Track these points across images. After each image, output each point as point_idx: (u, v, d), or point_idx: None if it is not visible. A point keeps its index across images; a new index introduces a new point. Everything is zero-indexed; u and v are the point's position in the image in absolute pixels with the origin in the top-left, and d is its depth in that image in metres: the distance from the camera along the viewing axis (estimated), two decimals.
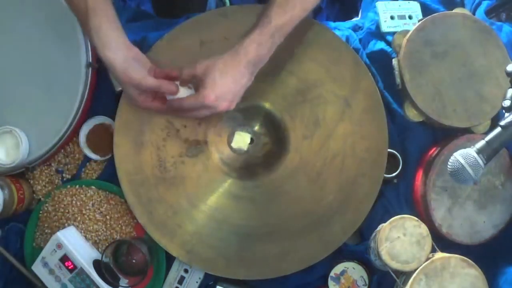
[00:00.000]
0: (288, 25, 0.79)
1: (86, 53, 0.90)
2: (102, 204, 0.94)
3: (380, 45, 0.99)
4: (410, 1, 1.03)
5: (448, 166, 0.72)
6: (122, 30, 0.79)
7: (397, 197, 0.95)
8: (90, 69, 0.90)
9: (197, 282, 0.93)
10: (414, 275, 0.81)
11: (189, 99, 0.81)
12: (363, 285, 0.92)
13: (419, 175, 0.93)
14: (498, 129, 0.72)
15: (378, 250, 0.83)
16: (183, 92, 0.84)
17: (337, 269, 0.92)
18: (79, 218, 0.93)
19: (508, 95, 0.72)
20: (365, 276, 0.92)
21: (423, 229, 0.83)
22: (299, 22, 0.80)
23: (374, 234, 0.89)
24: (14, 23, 0.91)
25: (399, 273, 0.85)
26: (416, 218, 0.83)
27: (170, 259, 0.94)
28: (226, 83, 0.78)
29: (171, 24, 0.99)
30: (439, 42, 0.92)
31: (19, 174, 0.94)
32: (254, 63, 0.79)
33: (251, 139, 0.96)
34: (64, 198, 0.94)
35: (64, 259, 0.87)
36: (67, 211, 0.93)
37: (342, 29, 1.01)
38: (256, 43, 0.78)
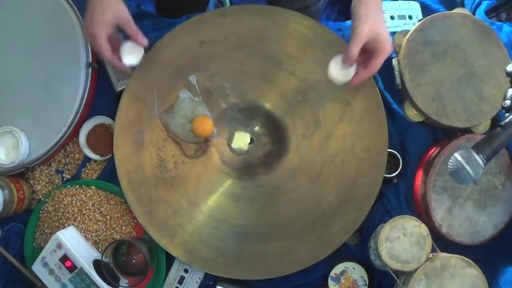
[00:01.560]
0: None
1: (86, 53, 0.90)
2: (102, 204, 0.94)
3: None
4: (410, 1, 1.03)
5: (448, 166, 0.72)
6: None
7: (397, 197, 0.95)
8: (90, 69, 0.90)
9: (197, 282, 0.93)
10: (414, 275, 0.81)
11: (377, 63, 0.81)
12: (363, 285, 0.92)
13: (419, 175, 0.93)
14: (498, 129, 0.72)
15: (378, 250, 0.83)
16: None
17: (337, 269, 0.92)
18: (79, 218, 0.93)
19: (508, 95, 0.73)
20: (365, 276, 0.92)
21: (423, 229, 0.83)
22: None
23: (374, 234, 0.89)
24: (14, 24, 0.91)
25: (399, 273, 0.85)
26: (416, 218, 0.83)
27: (170, 259, 0.94)
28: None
29: (171, 24, 0.99)
30: (439, 42, 0.92)
31: (19, 174, 0.94)
32: None
33: (251, 139, 0.96)
34: (64, 198, 0.94)
35: (64, 259, 0.87)
36: (67, 211, 0.93)
37: (342, 29, 1.01)
38: None
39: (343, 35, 0.99)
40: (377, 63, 0.81)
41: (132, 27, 0.83)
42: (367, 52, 0.81)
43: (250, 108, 0.95)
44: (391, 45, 0.81)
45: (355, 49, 0.79)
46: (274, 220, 0.92)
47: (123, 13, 0.82)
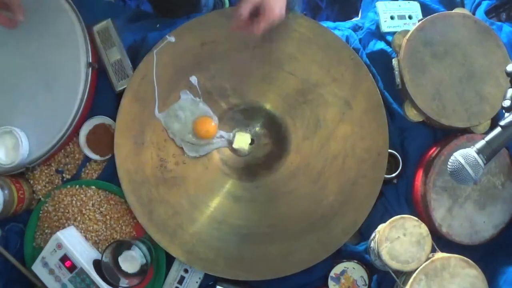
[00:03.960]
0: None
1: (86, 53, 0.90)
2: (102, 204, 0.94)
3: (380, 45, 0.99)
4: (410, 1, 1.03)
5: (448, 166, 0.72)
6: None
7: (397, 197, 0.95)
8: (90, 69, 0.90)
9: (197, 282, 0.93)
10: (414, 275, 0.81)
11: (262, 23, 0.84)
12: (363, 285, 0.92)
13: (419, 175, 0.93)
14: (498, 129, 0.72)
15: (378, 250, 0.83)
16: None
17: (337, 269, 0.92)
18: (79, 218, 0.93)
19: (508, 95, 0.72)
20: (365, 276, 0.92)
21: (423, 229, 0.83)
22: None
23: (374, 234, 0.89)
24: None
25: (399, 273, 0.85)
26: (416, 218, 0.83)
27: (170, 259, 0.94)
28: None
29: (171, 24, 0.99)
30: (439, 42, 0.92)
31: (19, 174, 0.94)
32: None
33: (252, 140, 0.96)
34: (64, 198, 0.94)
35: (64, 259, 0.87)
36: (67, 211, 0.93)
37: (342, 29, 1.01)
38: None
39: (343, 35, 0.99)
40: (259, 25, 0.84)
41: None
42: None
43: (250, 109, 0.95)
44: (280, 15, 0.84)
45: (243, 7, 0.82)
46: (275, 221, 0.92)
47: None
